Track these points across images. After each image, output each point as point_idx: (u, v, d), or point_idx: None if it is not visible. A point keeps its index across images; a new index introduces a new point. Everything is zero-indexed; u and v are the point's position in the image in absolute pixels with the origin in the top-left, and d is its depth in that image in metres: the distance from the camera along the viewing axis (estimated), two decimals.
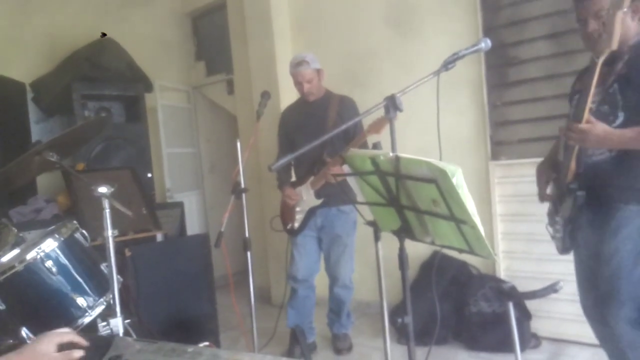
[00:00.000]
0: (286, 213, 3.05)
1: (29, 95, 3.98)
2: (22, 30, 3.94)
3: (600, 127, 1.63)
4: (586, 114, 1.63)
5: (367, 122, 2.68)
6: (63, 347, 1.22)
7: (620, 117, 1.69)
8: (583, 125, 1.63)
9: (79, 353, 1.24)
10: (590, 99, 1.63)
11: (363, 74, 3.70)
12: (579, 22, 1.81)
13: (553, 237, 1.96)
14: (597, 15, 1.72)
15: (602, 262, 1.78)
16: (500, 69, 3.09)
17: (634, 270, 1.72)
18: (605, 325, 1.82)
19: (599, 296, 1.82)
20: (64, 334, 1.26)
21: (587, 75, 1.69)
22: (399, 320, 1.61)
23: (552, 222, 1.94)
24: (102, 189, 1.92)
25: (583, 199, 1.77)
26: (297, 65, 2.92)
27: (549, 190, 1.95)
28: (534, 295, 1.80)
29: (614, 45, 1.58)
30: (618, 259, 1.74)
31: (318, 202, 2.91)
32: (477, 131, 3.22)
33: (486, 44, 1.70)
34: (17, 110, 3.90)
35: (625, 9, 1.55)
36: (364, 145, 2.74)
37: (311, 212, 2.96)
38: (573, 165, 1.77)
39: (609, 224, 1.75)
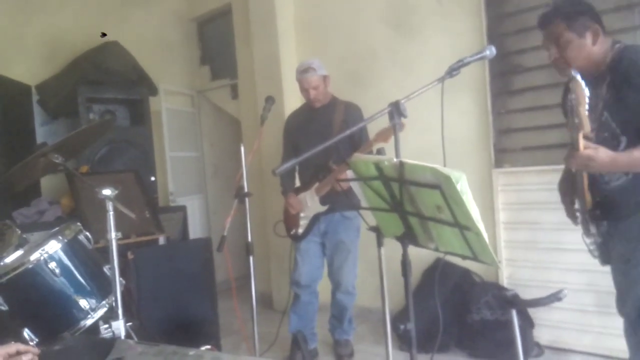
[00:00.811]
0: (290, 218, 3.05)
1: (35, 97, 4.00)
2: (23, 31, 3.96)
3: (603, 153, 1.58)
4: (581, 144, 1.58)
5: (371, 127, 2.68)
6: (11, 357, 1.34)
7: (624, 141, 1.67)
8: (585, 152, 1.58)
9: (28, 357, 1.35)
10: (580, 141, 1.58)
11: (365, 75, 3.71)
12: (544, 47, 1.82)
13: (590, 251, 1.93)
14: (557, 43, 1.74)
15: (630, 268, 1.77)
16: (504, 76, 3.09)
17: None
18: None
19: (629, 305, 1.82)
20: (10, 345, 1.38)
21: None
22: (401, 326, 1.61)
23: (587, 233, 1.90)
24: (106, 192, 1.93)
25: (606, 227, 1.78)
26: (303, 71, 2.93)
27: (576, 205, 1.92)
28: (537, 303, 1.79)
29: (587, 129, 1.54)
30: None
31: (322, 208, 2.91)
32: (481, 138, 3.22)
33: (491, 51, 1.70)
34: (23, 112, 3.92)
35: (587, 104, 1.51)
36: (369, 153, 2.74)
37: (315, 218, 2.96)
38: (588, 196, 1.76)
39: (633, 233, 1.74)
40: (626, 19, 2.66)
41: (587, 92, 1.51)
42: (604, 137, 1.69)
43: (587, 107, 1.52)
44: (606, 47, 1.73)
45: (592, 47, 1.71)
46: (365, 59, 3.74)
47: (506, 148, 3.13)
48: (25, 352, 1.39)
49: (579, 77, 1.51)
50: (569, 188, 1.95)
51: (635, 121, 1.64)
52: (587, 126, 1.54)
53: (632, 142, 1.65)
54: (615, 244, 1.82)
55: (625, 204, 1.74)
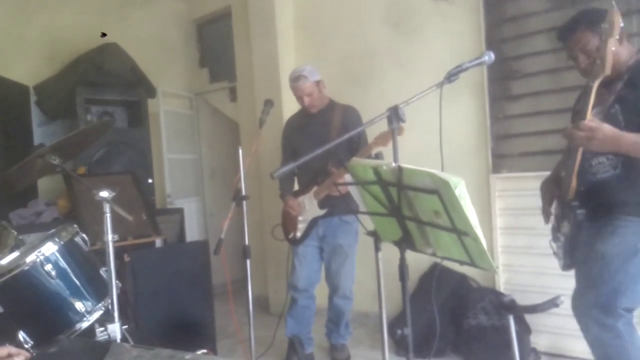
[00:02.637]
0: (288, 222, 3.04)
1: (33, 98, 3.99)
2: (22, 31, 3.95)
3: (608, 127, 1.58)
4: (589, 114, 1.60)
5: (371, 130, 2.68)
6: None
7: None
8: (591, 123, 1.58)
9: (20, 359, 1.37)
10: (590, 109, 1.62)
11: (364, 75, 3.72)
12: (570, 59, 1.86)
13: (555, 254, 1.97)
14: (584, 51, 1.78)
15: (591, 262, 1.81)
16: (503, 82, 3.10)
17: (616, 274, 1.74)
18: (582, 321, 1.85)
19: (581, 291, 1.87)
20: (2, 348, 1.39)
21: (585, 97, 1.70)
22: (398, 331, 1.61)
23: (555, 238, 1.95)
24: (104, 194, 1.93)
25: (583, 216, 1.79)
26: (295, 80, 2.93)
27: (553, 209, 1.96)
28: (534, 309, 1.79)
29: (608, 71, 1.58)
30: (606, 261, 1.76)
31: (321, 212, 2.91)
32: (479, 143, 3.23)
33: (489, 57, 1.71)
34: (20, 113, 3.91)
35: (617, 37, 1.55)
36: (369, 157, 2.74)
37: (314, 222, 2.95)
38: (574, 182, 1.77)
39: (605, 230, 1.78)
40: (624, 26, 2.67)
41: (621, 23, 1.53)
42: None
43: (616, 38, 1.53)
44: (631, 51, 1.77)
45: (619, 47, 1.72)
46: (365, 59, 3.74)
47: (504, 153, 3.13)
48: (17, 355, 1.38)
49: (616, 7, 1.54)
50: (551, 188, 1.98)
51: None
52: (608, 68, 1.55)
53: None
54: (585, 245, 1.84)
55: (607, 200, 1.76)
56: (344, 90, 3.42)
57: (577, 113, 1.87)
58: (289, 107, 3.76)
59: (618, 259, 1.74)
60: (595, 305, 1.78)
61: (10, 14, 3.93)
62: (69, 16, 4.18)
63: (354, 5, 3.81)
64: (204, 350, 1.77)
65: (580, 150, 1.72)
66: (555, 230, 1.94)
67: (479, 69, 2.96)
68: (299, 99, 2.99)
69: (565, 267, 1.95)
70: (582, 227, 1.82)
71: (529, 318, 2.92)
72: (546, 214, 1.99)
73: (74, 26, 4.18)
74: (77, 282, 1.90)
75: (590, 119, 1.61)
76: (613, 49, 1.57)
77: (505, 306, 1.88)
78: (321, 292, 3.20)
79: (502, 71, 3.07)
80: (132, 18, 4.57)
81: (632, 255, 1.73)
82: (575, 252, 1.89)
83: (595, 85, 1.61)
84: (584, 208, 1.79)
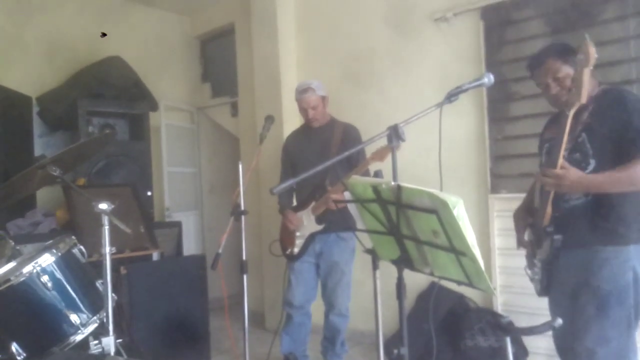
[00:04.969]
0: (286, 237, 3.03)
1: (35, 109, 4.01)
2: (24, 38, 3.99)
3: (574, 173, 1.68)
4: (560, 160, 1.69)
5: (369, 149, 2.70)
6: None
7: (592, 164, 1.75)
8: (558, 171, 1.68)
9: None
10: (563, 146, 1.69)
11: (364, 75, 3.74)
12: (539, 87, 1.92)
13: (532, 280, 2.00)
14: (555, 78, 1.83)
15: (581, 303, 1.79)
16: (502, 103, 3.13)
17: (611, 312, 1.74)
18: None
19: (575, 337, 1.82)
20: None
21: (557, 125, 1.77)
22: (395, 351, 1.59)
23: (530, 265, 1.99)
24: (103, 205, 1.92)
25: (560, 242, 1.81)
26: (302, 91, 2.96)
27: (526, 237, 2.00)
28: (531, 331, 1.78)
29: (584, 99, 1.64)
30: (597, 300, 1.75)
31: (318, 227, 2.90)
32: (478, 164, 3.24)
33: (489, 79, 1.74)
34: (22, 123, 3.93)
35: (591, 67, 1.60)
36: (366, 173, 2.75)
37: (311, 238, 2.95)
38: (549, 209, 1.81)
39: (589, 264, 1.78)
40: (621, 50, 2.71)
41: (595, 54, 1.57)
42: (575, 157, 1.78)
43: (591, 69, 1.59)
44: (594, 83, 1.82)
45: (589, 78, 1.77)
46: (363, 56, 3.76)
47: (503, 174, 3.14)
48: None
49: (589, 39, 1.58)
50: (523, 217, 2.03)
51: (625, 135, 1.70)
52: (584, 97, 1.62)
53: (600, 164, 1.74)
54: (562, 271, 1.85)
55: (581, 227, 1.79)
56: (344, 89, 3.42)
57: (548, 141, 1.94)
58: (290, 123, 3.78)
59: (610, 295, 1.74)
60: (597, 348, 1.75)
61: (9, 20, 3.95)
62: (71, 27, 4.23)
63: (355, 14, 3.85)
64: None
65: None
66: (531, 257, 1.97)
67: (478, 89, 2.99)
68: (303, 111, 3.01)
69: (543, 292, 1.96)
70: (559, 254, 1.83)
71: (526, 340, 2.90)
72: (520, 242, 2.04)
73: (76, 36, 4.23)
74: (73, 294, 1.89)
75: (562, 165, 1.68)
76: (588, 81, 1.62)
77: (502, 328, 1.87)
78: (317, 309, 3.18)
79: (501, 92, 3.10)
80: (136, 32, 4.62)
81: (626, 288, 1.73)
82: (552, 278, 1.89)
83: (571, 114, 1.67)
84: (560, 234, 1.81)
